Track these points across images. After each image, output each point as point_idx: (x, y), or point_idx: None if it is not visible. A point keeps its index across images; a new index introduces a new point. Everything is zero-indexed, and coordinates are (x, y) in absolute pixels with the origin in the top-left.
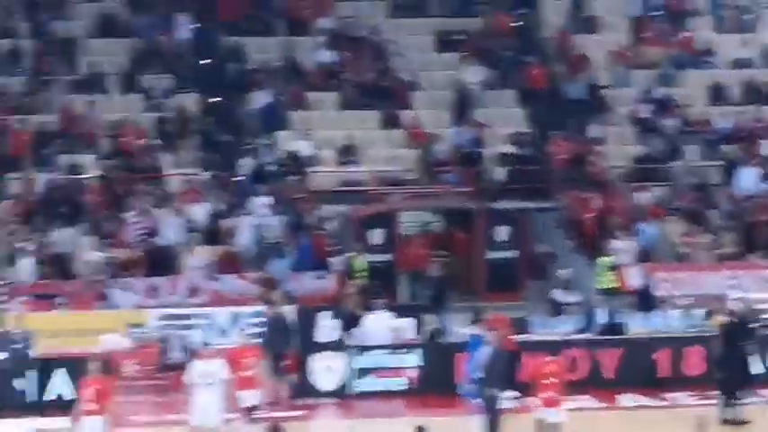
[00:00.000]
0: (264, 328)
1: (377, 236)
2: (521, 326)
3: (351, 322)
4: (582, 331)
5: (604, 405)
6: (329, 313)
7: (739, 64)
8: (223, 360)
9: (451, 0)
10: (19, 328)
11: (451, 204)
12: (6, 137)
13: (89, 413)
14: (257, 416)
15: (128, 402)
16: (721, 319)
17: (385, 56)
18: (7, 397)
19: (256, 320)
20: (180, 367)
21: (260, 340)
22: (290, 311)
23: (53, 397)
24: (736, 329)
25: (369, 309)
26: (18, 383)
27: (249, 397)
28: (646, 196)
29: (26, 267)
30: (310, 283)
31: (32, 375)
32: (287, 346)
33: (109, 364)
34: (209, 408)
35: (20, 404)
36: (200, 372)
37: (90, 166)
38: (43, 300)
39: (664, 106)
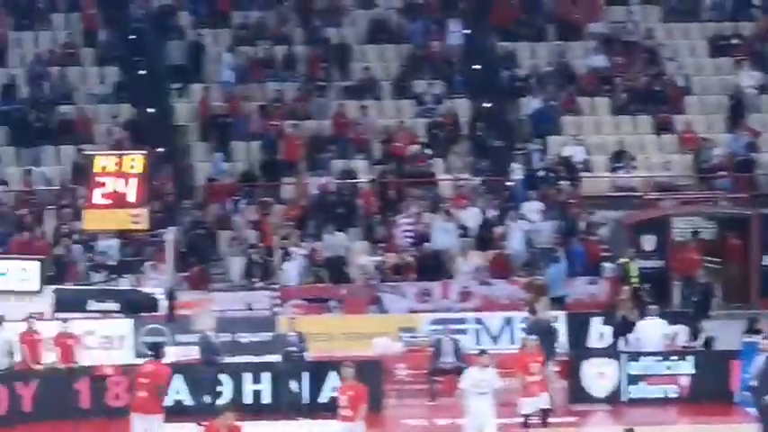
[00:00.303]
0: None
1: (649, 241)
2: None
3: (623, 328)
4: None
5: None
6: (601, 319)
7: None
8: (496, 368)
9: (726, 4)
10: (292, 331)
11: (726, 210)
12: (281, 142)
13: (344, 419)
14: (541, 421)
15: (399, 406)
16: None
17: (658, 60)
18: (281, 398)
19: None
20: (451, 372)
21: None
22: (554, 317)
23: (325, 400)
24: None
25: (641, 315)
26: (292, 386)
27: (536, 402)
28: None
29: (294, 271)
30: (582, 289)
31: (306, 378)
32: (552, 353)
33: (380, 367)
34: (483, 416)
35: (294, 406)
36: (474, 380)
37: (362, 171)
38: (315, 303)
39: None
